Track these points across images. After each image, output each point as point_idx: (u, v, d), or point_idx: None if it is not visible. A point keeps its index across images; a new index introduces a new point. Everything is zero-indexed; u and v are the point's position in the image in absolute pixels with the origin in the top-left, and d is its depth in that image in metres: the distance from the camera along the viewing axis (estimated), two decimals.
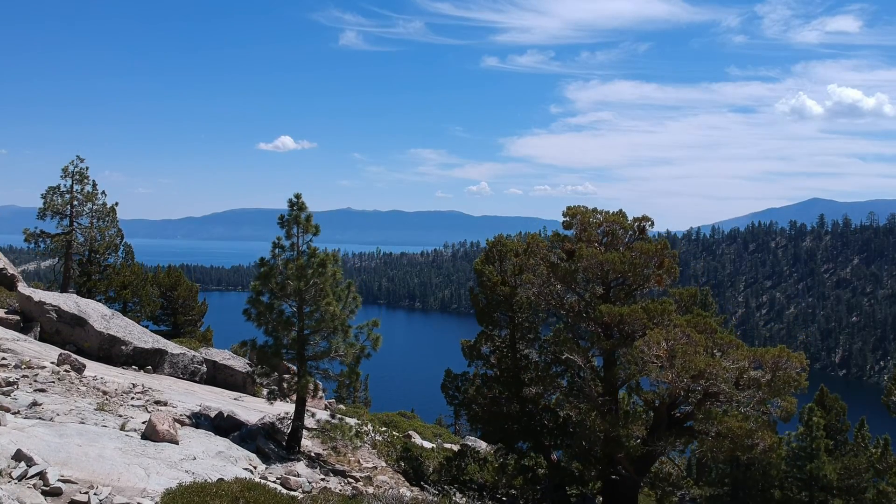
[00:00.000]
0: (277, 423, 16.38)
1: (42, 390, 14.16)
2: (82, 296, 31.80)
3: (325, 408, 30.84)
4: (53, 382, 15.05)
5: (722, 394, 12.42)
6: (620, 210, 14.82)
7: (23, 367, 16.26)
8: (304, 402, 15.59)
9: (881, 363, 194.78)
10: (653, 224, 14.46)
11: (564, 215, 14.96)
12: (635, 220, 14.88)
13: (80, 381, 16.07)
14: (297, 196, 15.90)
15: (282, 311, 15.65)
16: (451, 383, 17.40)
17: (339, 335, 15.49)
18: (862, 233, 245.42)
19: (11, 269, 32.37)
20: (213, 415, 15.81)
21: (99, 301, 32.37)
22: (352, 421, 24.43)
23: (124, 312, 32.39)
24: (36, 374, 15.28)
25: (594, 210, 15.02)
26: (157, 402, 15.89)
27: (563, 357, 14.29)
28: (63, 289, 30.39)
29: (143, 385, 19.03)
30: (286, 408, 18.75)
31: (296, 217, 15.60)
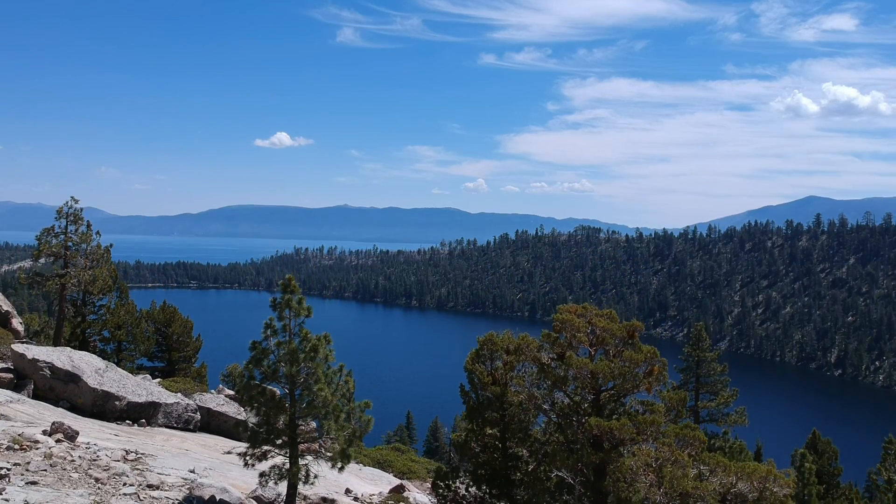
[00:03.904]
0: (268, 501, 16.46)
1: (34, 483, 14.20)
2: (76, 336, 31.90)
3: (319, 445, 30.88)
4: (45, 470, 15.08)
5: None
6: (611, 311, 14.92)
7: (15, 447, 16.29)
8: (296, 487, 15.66)
9: (877, 363, 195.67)
10: (643, 328, 14.59)
11: (554, 320, 15.07)
12: (625, 324, 14.99)
13: (72, 462, 16.11)
14: (290, 279, 15.94)
15: (274, 394, 15.72)
16: (442, 480, 17.49)
17: (331, 417, 15.55)
18: (858, 232, 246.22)
19: (6, 306, 32.40)
20: (206, 497, 15.87)
21: (93, 341, 32.48)
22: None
23: (119, 352, 32.47)
24: (28, 462, 15.30)
25: (584, 306, 15.12)
26: (150, 486, 15.92)
27: (553, 474, 14.45)
28: (58, 329, 30.46)
29: (136, 452, 19.10)
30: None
31: (288, 301, 15.62)
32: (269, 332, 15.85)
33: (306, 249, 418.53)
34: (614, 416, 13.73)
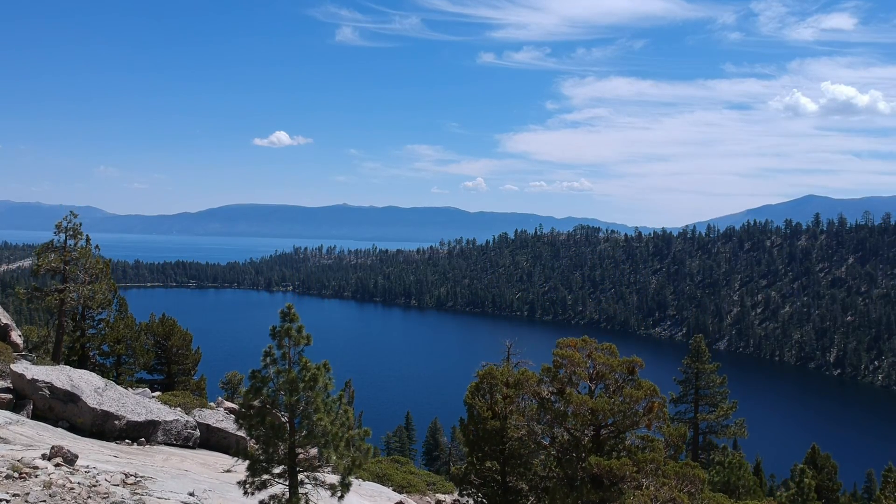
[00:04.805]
0: None
1: None
2: (76, 351, 31.85)
3: (319, 473, 30.89)
4: (45, 501, 15.04)
5: None
6: (611, 346, 14.92)
7: (14, 475, 16.25)
8: None
9: (875, 363, 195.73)
10: (643, 366, 14.60)
11: (554, 355, 15.04)
12: (625, 360, 14.97)
13: (71, 490, 16.06)
14: (289, 307, 15.89)
15: (274, 421, 15.68)
16: None
17: (331, 447, 15.53)
18: (857, 232, 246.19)
19: (5, 319, 32.35)
20: None
21: (93, 356, 32.45)
22: None
23: (118, 365, 32.44)
24: (27, 493, 15.27)
25: (584, 339, 15.11)
26: None
27: None
28: (57, 344, 30.42)
29: (135, 475, 19.05)
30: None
31: (287, 329, 15.59)
32: (268, 360, 15.81)
33: (305, 249, 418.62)
34: (614, 453, 13.71)
